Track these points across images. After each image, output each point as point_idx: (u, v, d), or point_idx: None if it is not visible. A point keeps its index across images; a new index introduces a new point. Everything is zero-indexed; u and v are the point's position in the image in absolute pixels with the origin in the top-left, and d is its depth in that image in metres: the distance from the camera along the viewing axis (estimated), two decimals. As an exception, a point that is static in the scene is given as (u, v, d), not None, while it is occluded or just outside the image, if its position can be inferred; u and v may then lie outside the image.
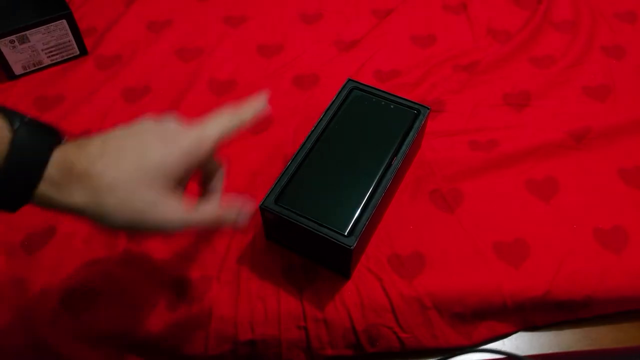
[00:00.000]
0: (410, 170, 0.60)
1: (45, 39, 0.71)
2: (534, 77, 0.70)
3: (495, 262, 0.53)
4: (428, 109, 0.56)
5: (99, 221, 0.37)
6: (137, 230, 0.38)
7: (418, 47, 0.74)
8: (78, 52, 0.74)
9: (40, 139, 0.37)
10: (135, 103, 0.68)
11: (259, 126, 0.65)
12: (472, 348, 0.52)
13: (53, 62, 0.73)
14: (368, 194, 0.50)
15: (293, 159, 0.53)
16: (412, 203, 0.58)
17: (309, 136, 0.55)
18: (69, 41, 0.72)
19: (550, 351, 0.52)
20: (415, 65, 0.72)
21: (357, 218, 0.49)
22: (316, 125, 0.56)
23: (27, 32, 0.69)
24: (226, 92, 0.70)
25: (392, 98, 0.57)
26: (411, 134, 0.54)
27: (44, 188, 0.36)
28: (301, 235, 0.51)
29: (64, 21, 0.70)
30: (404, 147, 0.53)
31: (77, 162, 0.37)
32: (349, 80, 0.59)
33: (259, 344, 0.51)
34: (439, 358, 0.52)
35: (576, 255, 0.54)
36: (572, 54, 0.72)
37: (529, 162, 0.61)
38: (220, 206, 0.41)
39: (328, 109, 0.57)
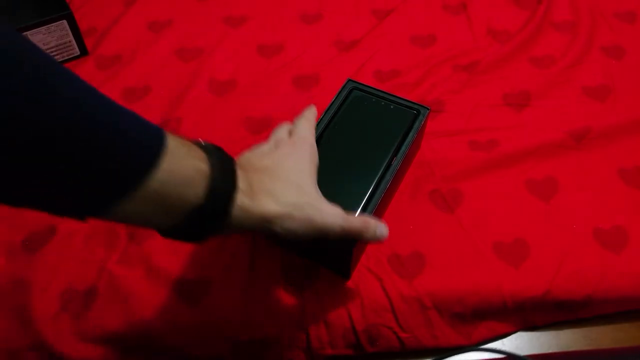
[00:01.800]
0: (410, 170, 0.60)
1: (46, 40, 0.71)
2: (534, 77, 0.70)
3: (495, 262, 0.53)
4: (428, 109, 0.56)
5: (285, 225, 0.39)
6: (312, 240, 0.41)
7: (418, 47, 0.74)
8: (78, 53, 0.74)
9: (225, 155, 0.38)
10: (136, 103, 0.68)
11: (259, 126, 0.65)
12: (473, 347, 0.52)
13: (53, 62, 0.73)
14: (368, 195, 0.50)
15: None
16: (412, 203, 0.58)
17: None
18: (70, 41, 0.72)
19: (550, 351, 0.52)
20: (415, 65, 0.72)
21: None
22: (316, 126, 0.55)
23: (27, 33, 0.69)
24: (226, 92, 0.70)
25: (392, 98, 0.57)
26: (411, 134, 0.54)
27: (242, 199, 0.37)
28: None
29: (65, 21, 0.71)
30: (403, 147, 0.53)
31: (252, 177, 0.39)
32: (349, 80, 0.59)
33: (259, 344, 0.51)
34: (439, 357, 0.52)
35: (576, 255, 0.54)
36: (572, 54, 0.72)
37: (529, 162, 0.61)
38: (363, 219, 0.43)
39: (328, 109, 0.57)
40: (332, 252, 0.50)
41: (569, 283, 0.52)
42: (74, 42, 0.73)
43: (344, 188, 0.51)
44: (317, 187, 0.43)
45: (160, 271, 0.53)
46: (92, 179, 0.30)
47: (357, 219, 0.43)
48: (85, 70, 0.72)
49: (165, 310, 0.51)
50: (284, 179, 0.41)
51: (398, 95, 0.58)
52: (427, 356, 0.52)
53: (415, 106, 0.56)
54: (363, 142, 0.54)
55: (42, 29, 0.70)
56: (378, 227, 0.44)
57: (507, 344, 0.53)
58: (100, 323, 0.51)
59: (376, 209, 0.49)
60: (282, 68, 0.72)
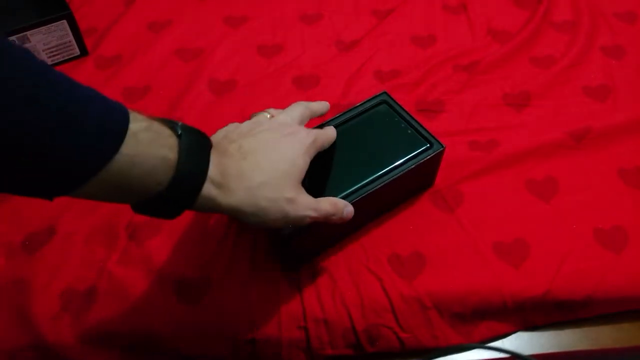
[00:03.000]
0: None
1: (46, 40, 0.71)
2: (534, 77, 0.70)
3: (495, 262, 0.53)
4: (442, 146, 0.54)
5: (255, 218, 0.40)
6: (282, 225, 0.42)
7: (418, 47, 0.74)
8: (78, 53, 0.74)
9: (201, 143, 0.38)
10: (136, 103, 0.68)
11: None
12: (478, 345, 0.52)
13: (54, 62, 0.73)
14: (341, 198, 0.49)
15: None
16: (412, 203, 0.58)
17: (317, 127, 0.54)
18: (70, 41, 0.72)
19: (550, 351, 0.52)
20: (415, 65, 0.72)
21: None
22: (327, 122, 0.55)
23: (27, 33, 0.69)
24: (226, 92, 0.70)
25: (414, 124, 0.55)
26: (409, 163, 0.52)
27: (209, 189, 0.37)
28: None
29: (65, 21, 0.71)
30: (393, 173, 0.52)
31: (229, 166, 0.39)
32: (384, 93, 0.58)
33: (259, 344, 0.51)
34: (443, 353, 0.52)
35: (576, 255, 0.54)
36: (572, 54, 0.72)
37: (529, 162, 0.61)
38: (332, 202, 0.45)
39: (349, 110, 0.56)
40: (276, 240, 0.50)
41: (569, 283, 0.52)
42: (74, 42, 0.73)
43: (317, 186, 0.51)
44: (299, 171, 0.43)
45: (160, 271, 0.53)
46: (51, 164, 0.30)
47: (326, 203, 0.44)
48: (85, 70, 0.72)
49: (165, 310, 0.51)
50: (263, 168, 0.41)
51: (423, 125, 0.55)
52: (428, 356, 0.52)
53: (432, 139, 0.54)
54: (362, 153, 0.53)
55: (42, 28, 0.69)
56: (346, 209, 0.46)
57: (507, 344, 0.53)
58: (100, 323, 0.51)
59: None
60: (282, 68, 0.72)
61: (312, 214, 0.43)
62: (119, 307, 0.51)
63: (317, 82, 0.70)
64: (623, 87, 0.68)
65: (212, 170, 0.38)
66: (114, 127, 0.32)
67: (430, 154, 0.53)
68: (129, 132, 0.32)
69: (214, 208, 0.39)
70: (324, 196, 0.48)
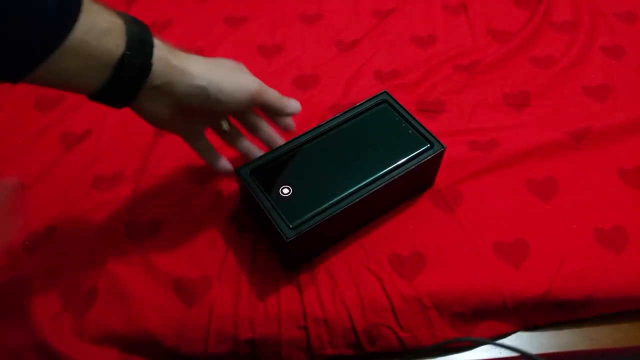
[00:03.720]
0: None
1: (46, 39, 0.71)
2: (534, 77, 0.70)
3: (495, 262, 0.53)
4: (443, 147, 0.54)
5: (214, 88, 0.45)
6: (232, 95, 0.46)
7: (418, 47, 0.74)
8: (78, 52, 0.74)
9: (145, 28, 0.42)
10: (136, 103, 0.68)
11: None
12: (488, 341, 0.52)
13: (53, 62, 0.73)
14: (333, 201, 0.50)
15: (289, 142, 0.54)
16: (412, 203, 0.58)
17: (316, 127, 0.55)
18: (69, 41, 0.72)
19: (550, 351, 0.52)
20: (415, 65, 0.72)
21: (309, 217, 0.49)
22: (328, 121, 0.56)
23: (27, 32, 0.69)
24: (226, 92, 0.70)
25: (415, 124, 0.55)
26: (409, 163, 0.52)
27: (161, 50, 0.43)
28: (259, 214, 0.52)
29: (64, 21, 0.70)
30: (394, 173, 0.52)
31: (177, 52, 0.45)
32: (385, 92, 0.58)
33: (259, 344, 0.51)
34: (454, 345, 0.52)
35: (576, 255, 0.54)
36: (572, 54, 0.72)
37: (529, 162, 0.61)
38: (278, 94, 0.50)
39: (349, 110, 0.57)
40: (277, 240, 0.50)
41: (569, 283, 0.52)
42: (74, 42, 0.73)
43: (318, 186, 0.51)
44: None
45: (160, 271, 0.53)
46: (21, 35, 0.34)
47: (274, 92, 0.49)
48: (85, 70, 0.72)
49: (165, 310, 0.51)
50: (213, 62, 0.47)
51: (423, 125, 0.55)
52: (428, 356, 0.52)
53: (432, 139, 0.54)
54: (363, 152, 0.54)
55: (42, 29, 0.69)
56: (293, 102, 0.51)
57: (507, 344, 0.53)
58: (100, 323, 0.51)
59: (333, 219, 0.49)
60: (282, 68, 0.72)
61: (260, 85, 0.48)
62: (119, 307, 0.51)
63: (317, 82, 0.70)
64: (623, 87, 0.68)
65: (157, 41, 0.43)
66: (73, 2, 0.37)
67: (430, 154, 0.53)
68: (84, 5, 0.37)
69: (170, 75, 0.43)
70: (326, 195, 0.49)
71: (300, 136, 0.55)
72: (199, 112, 0.47)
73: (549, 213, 0.57)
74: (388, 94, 0.58)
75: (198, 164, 0.61)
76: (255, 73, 0.71)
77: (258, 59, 0.74)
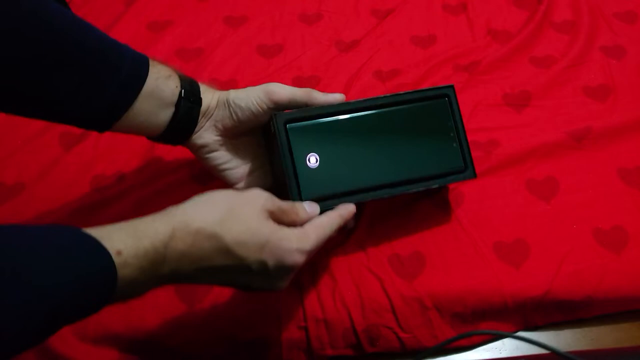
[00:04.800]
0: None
1: (46, 39, 0.71)
2: (534, 77, 0.70)
3: (495, 262, 0.53)
4: (474, 176, 0.52)
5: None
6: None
7: (418, 47, 0.74)
8: (78, 52, 0.74)
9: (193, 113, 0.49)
10: (136, 103, 0.68)
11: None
12: (510, 334, 0.52)
13: (53, 62, 0.73)
14: (353, 189, 0.48)
15: (337, 105, 0.50)
16: (413, 203, 0.58)
17: (370, 100, 0.50)
18: (69, 41, 0.72)
19: (549, 351, 0.52)
20: (415, 65, 0.71)
21: (324, 197, 0.47)
22: (386, 96, 0.51)
23: (27, 32, 0.69)
24: (226, 92, 0.70)
25: (462, 137, 0.52)
26: (437, 181, 0.51)
27: (205, 86, 0.52)
28: (277, 166, 0.49)
29: (64, 21, 0.70)
30: (419, 185, 0.50)
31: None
32: (451, 87, 0.53)
33: (259, 344, 0.51)
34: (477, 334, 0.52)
35: (576, 255, 0.54)
36: (572, 54, 0.71)
37: (529, 162, 0.61)
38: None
39: (411, 92, 0.52)
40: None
41: (569, 283, 0.52)
42: (73, 42, 0.73)
43: (341, 166, 0.49)
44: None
45: (160, 271, 0.53)
46: (113, 83, 0.45)
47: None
48: (85, 70, 0.72)
49: (165, 310, 0.51)
50: None
51: (469, 143, 0.52)
52: (429, 356, 0.52)
53: (469, 162, 0.52)
54: (397, 147, 0.50)
55: (42, 29, 0.69)
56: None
57: (507, 344, 0.53)
58: (100, 323, 0.51)
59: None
60: (282, 68, 0.72)
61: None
62: (119, 307, 0.51)
63: (317, 82, 0.70)
64: (623, 87, 0.68)
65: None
66: (142, 55, 0.48)
67: (459, 179, 0.51)
68: (151, 61, 0.48)
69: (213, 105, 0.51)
70: (348, 180, 0.48)
71: (351, 103, 0.50)
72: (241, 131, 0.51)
73: (549, 213, 0.57)
74: (454, 90, 0.53)
75: (197, 163, 0.61)
76: (255, 73, 0.72)
77: (258, 59, 0.74)
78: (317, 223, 0.44)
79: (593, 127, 0.64)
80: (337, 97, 0.50)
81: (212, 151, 0.51)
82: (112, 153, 0.63)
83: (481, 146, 0.62)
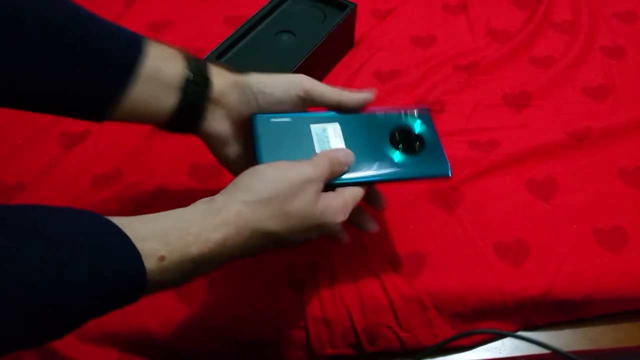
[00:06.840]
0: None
1: (46, 39, 0.71)
2: (534, 77, 0.70)
3: (495, 262, 0.53)
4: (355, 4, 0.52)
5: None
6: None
7: (418, 47, 0.74)
8: (78, 52, 0.74)
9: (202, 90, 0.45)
10: (136, 103, 0.68)
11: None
12: (510, 334, 0.52)
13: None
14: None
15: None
16: (412, 203, 0.58)
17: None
18: (69, 41, 0.72)
19: (550, 351, 0.52)
20: (415, 65, 0.72)
21: None
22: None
23: (27, 32, 0.69)
24: (226, 92, 0.70)
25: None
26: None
27: (215, 67, 0.47)
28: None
29: (64, 21, 0.70)
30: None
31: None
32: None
33: (259, 344, 0.51)
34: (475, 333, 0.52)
35: (576, 255, 0.54)
36: (572, 54, 0.72)
37: (529, 162, 0.61)
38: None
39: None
40: None
41: (569, 283, 0.52)
42: (74, 42, 0.73)
43: None
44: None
45: (160, 271, 0.53)
46: (101, 68, 0.40)
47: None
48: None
49: (165, 310, 0.51)
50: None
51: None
52: (429, 356, 0.52)
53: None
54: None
55: (42, 28, 0.69)
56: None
57: (507, 344, 0.53)
58: (100, 323, 0.51)
59: None
60: (282, 68, 0.72)
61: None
62: (119, 307, 0.51)
63: (317, 82, 0.70)
64: (623, 87, 0.68)
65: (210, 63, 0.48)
66: (140, 38, 0.44)
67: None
68: (150, 42, 0.44)
69: (229, 88, 0.46)
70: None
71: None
72: None
73: (549, 213, 0.57)
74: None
75: (198, 162, 0.61)
76: (256, 73, 0.72)
77: (258, 59, 0.74)
78: (354, 195, 0.44)
79: (593, 127, 0.64)
80: (366, 97, 0.47)
81: (225, 144, 0.47)
82: (112, 153, 0.63)
83: (481, 146, 0.62)
